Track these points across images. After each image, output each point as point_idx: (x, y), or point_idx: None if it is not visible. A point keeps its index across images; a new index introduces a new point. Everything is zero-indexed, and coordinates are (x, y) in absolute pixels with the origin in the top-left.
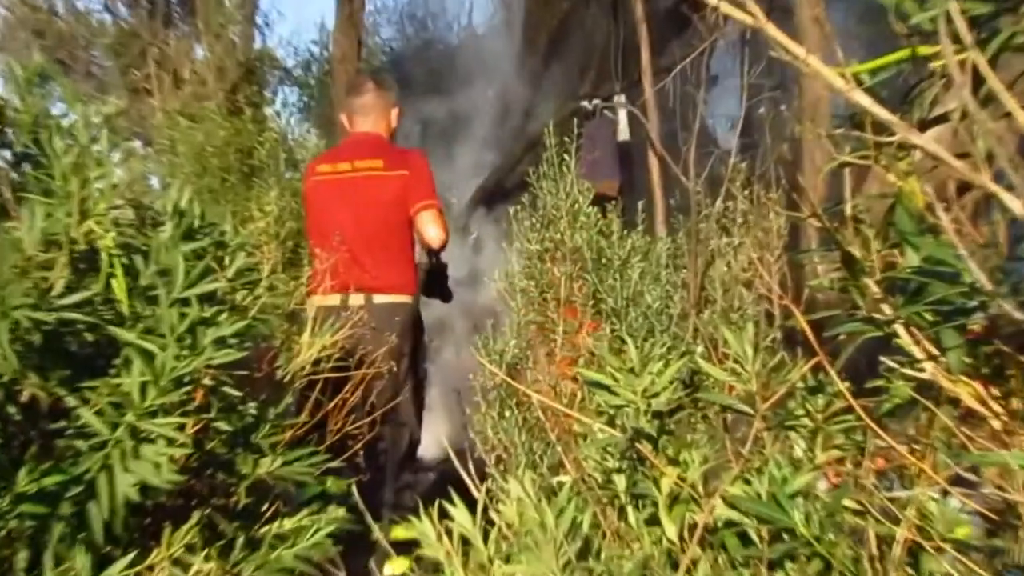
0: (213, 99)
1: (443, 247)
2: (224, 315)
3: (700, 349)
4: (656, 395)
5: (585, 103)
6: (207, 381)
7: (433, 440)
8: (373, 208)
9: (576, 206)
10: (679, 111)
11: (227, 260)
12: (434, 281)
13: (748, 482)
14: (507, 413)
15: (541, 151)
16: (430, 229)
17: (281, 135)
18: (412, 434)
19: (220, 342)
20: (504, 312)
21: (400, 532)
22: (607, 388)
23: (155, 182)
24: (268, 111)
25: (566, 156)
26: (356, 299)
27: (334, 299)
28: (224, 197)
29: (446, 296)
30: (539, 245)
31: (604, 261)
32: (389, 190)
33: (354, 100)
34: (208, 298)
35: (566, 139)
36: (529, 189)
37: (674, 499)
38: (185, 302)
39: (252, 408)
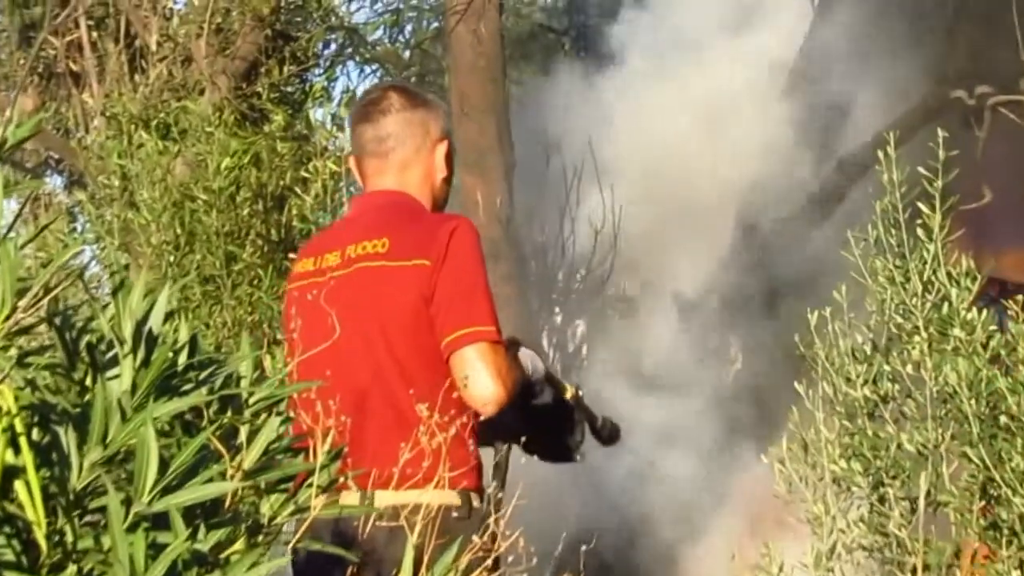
0: (208, 92)
1: (500, 407)
2: (240, 551)
3: None
4: None
5: (960, 92)
6: None
7: None
8: (369, 330)
9: (945, 307)
10: None
11: (242, 434)
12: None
13: None
14: None
15: (863, 190)
16: (475, 379)
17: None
18: None
19: None
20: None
21: None
22: None
23: (92, 265)
24: (317, 114)
25: (923, 206)
26: (350, 499)
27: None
28: (234, 297)
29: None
30: (869, 389)
31: (1002, 422)
32: (398, 295)
33: (363, 130)
34: (208, 512)
35: (921, 169)
36: (840, 269)
37: None
38: (159, 521)
39: None
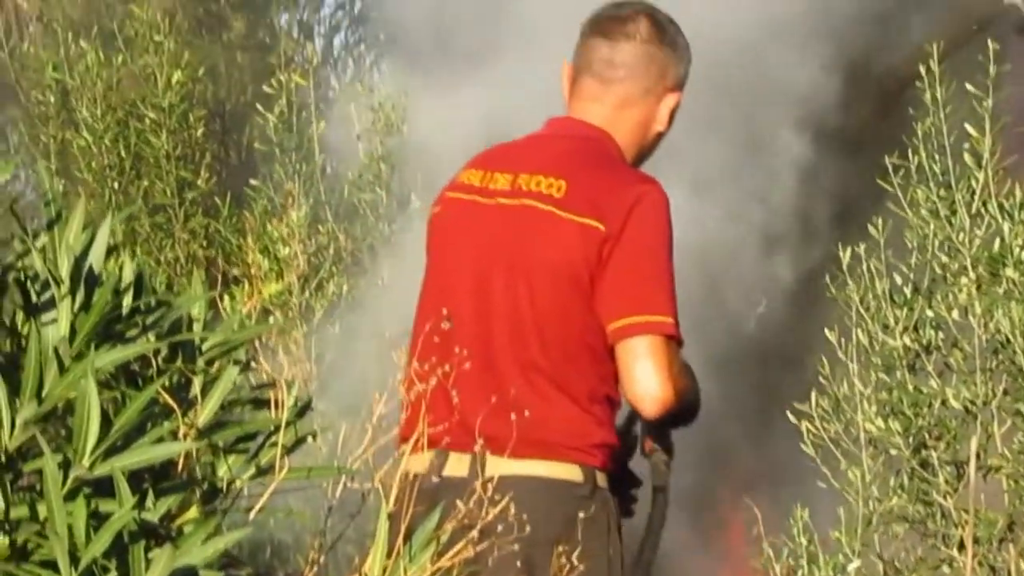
0: None
1: (665, 416)
2: (194, 519)
3: None
4: None
5: None
6: None
7: None
8: (532, 271)
9: (996, 243)
10: None
11: (195, 386)
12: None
13: None
14: None
15: (904, 113)
16: (642, 373)
17: (317, 68)
18: None
19: None
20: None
21: None
22: None
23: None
24: (282, 20)
25: (971, 128)
26: (456, 465)
27: (420, 461)
28: (187, 229)
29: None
30: (910, 337)
31: None
32: (558, 250)
33: (596, 44)
34: (158, 476)
35: (969, 86)
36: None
37: None
38: (102, 487)
39: None
